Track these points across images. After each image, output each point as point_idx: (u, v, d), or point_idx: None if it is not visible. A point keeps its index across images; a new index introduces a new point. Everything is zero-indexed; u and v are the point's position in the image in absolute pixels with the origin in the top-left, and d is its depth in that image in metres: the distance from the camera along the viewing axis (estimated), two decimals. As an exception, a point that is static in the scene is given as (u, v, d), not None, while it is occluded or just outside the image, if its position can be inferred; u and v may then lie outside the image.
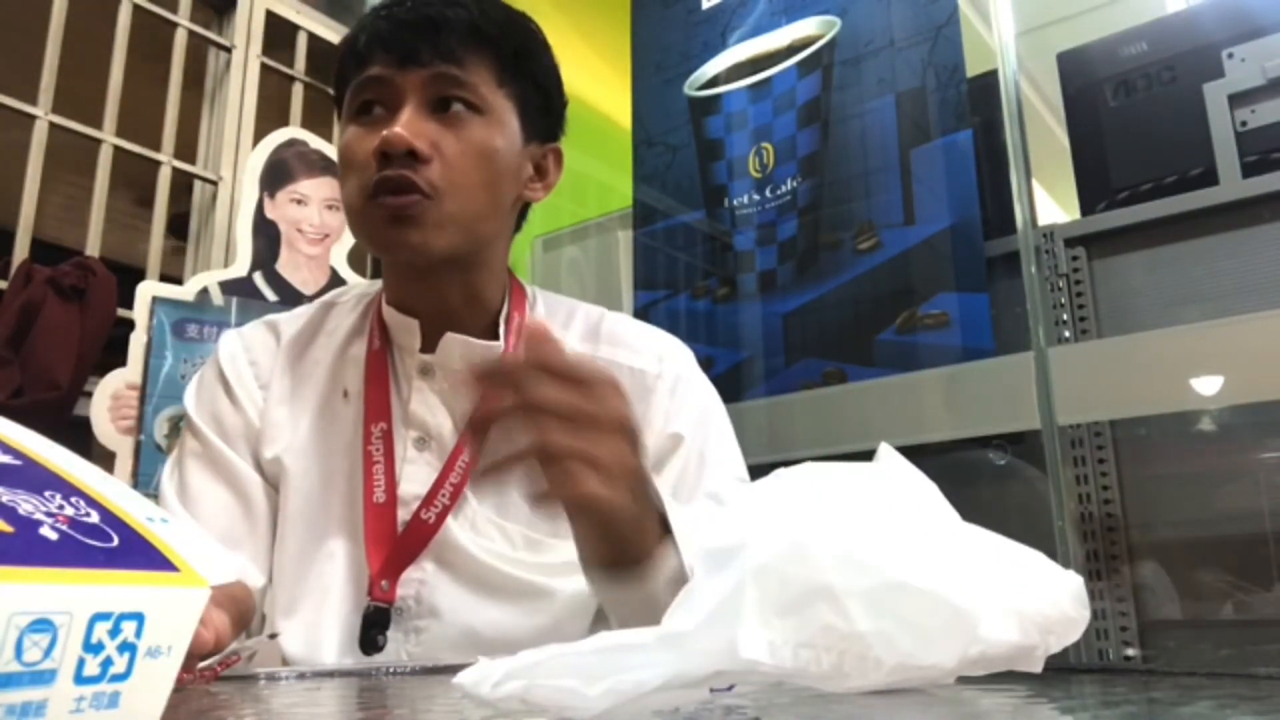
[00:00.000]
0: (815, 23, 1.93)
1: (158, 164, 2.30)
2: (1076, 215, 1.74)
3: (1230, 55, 1.55)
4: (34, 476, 0.28)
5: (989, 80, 1.74)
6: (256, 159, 2.30)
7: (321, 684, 0.42)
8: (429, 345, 0.83)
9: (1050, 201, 2.73)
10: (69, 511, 0.26)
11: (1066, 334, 1.67)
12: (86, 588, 0.24)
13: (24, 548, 0.24)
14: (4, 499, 0.25)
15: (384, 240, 0.77)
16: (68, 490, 0.28)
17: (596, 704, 0.26)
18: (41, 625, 0.22)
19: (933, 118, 1.76)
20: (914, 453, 1.47)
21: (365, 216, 0.77)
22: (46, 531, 0.25)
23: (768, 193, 1.94)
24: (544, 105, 0.86)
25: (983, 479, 1.66)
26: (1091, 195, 1.70)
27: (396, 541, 0.78)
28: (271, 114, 2.51)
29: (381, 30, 0.78)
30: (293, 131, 2.40)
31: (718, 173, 2.04)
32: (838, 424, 1.65)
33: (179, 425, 1.98)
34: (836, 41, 1.90)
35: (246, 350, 0.88)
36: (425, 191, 0.75)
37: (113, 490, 0.29)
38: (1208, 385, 1.42)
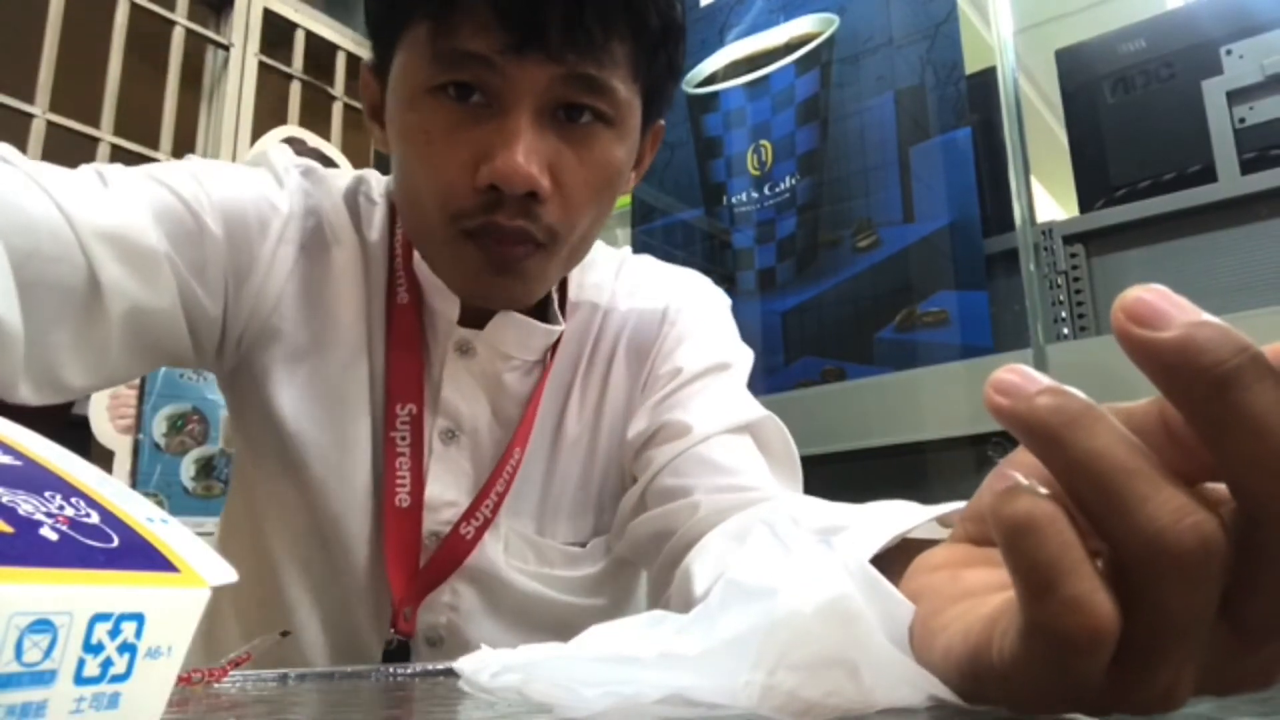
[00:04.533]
0: (813, 20, 1.93)
1: (155, 162, 2.30)
2: (1075, 213, 1.74)
3: (1229, 52, 1.55)
4: (34, 476, 0.28)
5: (987, 78, 1.75)
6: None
7: (330, 684, 0.42)
8: (466, 316, 0.67)
9: (1049, 199, 2.73)
10: (69, 512, 0.26)
11: (1065, 331, 1.67)
12: (87, 588, 0.24)
13: (24, 548, 0.24)
14: (4, 499, 0.25)
15: (477, 288, 0.62)
16: (68, 490, 0.28)
17: (592, 705, 0.26)
18: (42, 626, 0.22)
19: (931, 115, 1.76)
20: (913, 451, 1.47)
21: (450, 253, 0.60)
22: (47, 532, 0.25)
23: (766, 190, 1.94)
24: (670, 85, 0.66)
25: (981, 477, 1.65)
26: (1090, 192, 1.70)
27: (422, 560, 0.65)
28: (269, 112, 2.50)
29: None
30: (291, 130, 2.40)
31: (716, 170, 2.04)
32: (837, 422, 1.65)
33: (178, 424, 1.98)
34: (835, 39, 1.90)
35: (284, 224, 0.66)
36: (540, 240, 0.58)
37: (112, 490, 0.29)
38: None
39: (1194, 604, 0.20)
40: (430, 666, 0.43)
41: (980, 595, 0.27)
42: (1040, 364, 1.57)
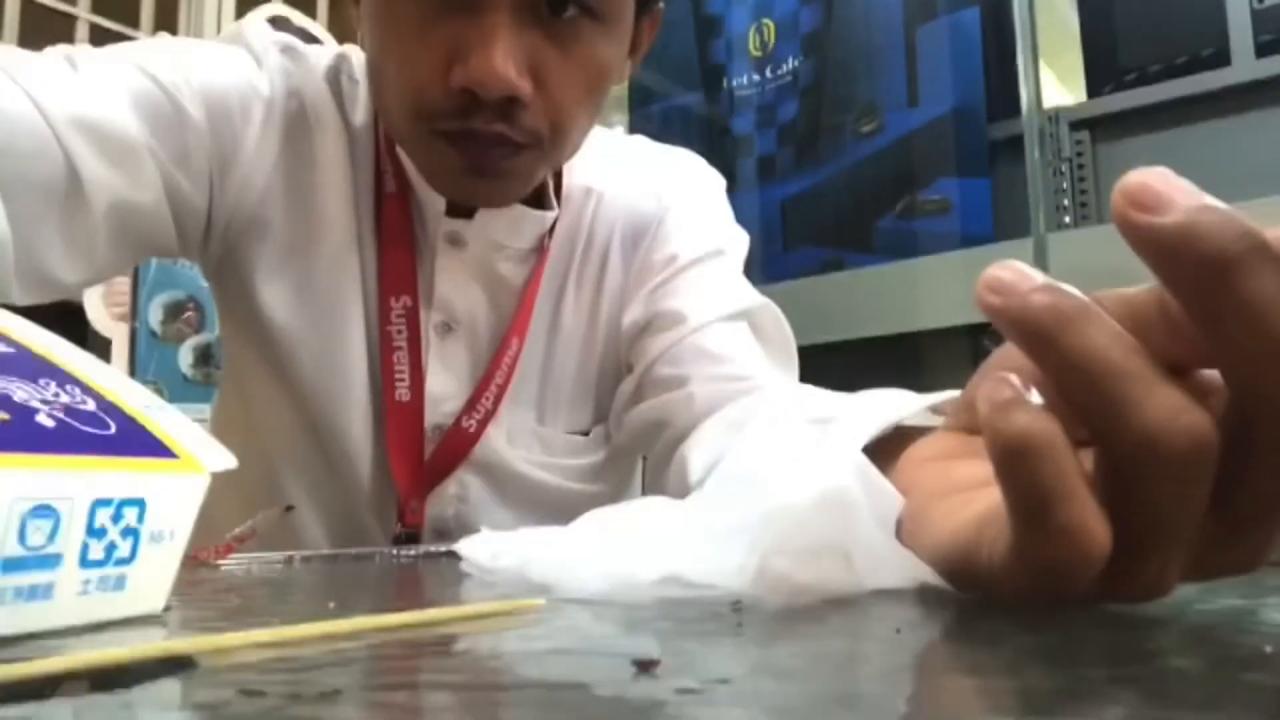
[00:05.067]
0: (820, -110, 1.84)
1: (135, 41, 2.23)
2: (1080, 98, 1.70)
3: (1250, -73, 1.49)
4: (28, 364, 0.28)
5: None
6: (240, 37, 2.23)
7: (334, 566, 0.43)
8: (456, 204, 0.64)
9: (1053, 83, 2.66)
10: (65, 399, 0.26)
11: (1067, 219, 1.65)
12: (86, 474, 0.24)
13: (21, 435, 0.24)
14: (-2, 387, 0.25)
15: (453, 188, 0.60)
16: (63, 378, 0.28)
17: (589, 585, 0.27)
18: (43, 511, 0.23)
19: (940, -7, 1.70)
20: (911, 340, 1.47)
21: (425, 152, 0.58)
22: (43, 419, 0.25)
23: (768, 73, 1.89)
24: None
25: (977, 366, 1.67)
26: (1099, 76, 1.66)
27: (426, 452, 0.65)
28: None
29: None
30: (275, 8, 2.31)
31: (715, 51, 1.98)
32: (836, 312, 1.65)
33: (174, 311, 1.97)
34: (842, -90, 1.81)
35: (267, 108, 0.62)
36: (521, 143, 0.56)
37: (108, 378, 0.29)
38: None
39: (1186, 502, 0.20)
40: (433, 549, 0.44)
41: (968, 490, 0.27)
42: (1040, 253, 1.56)
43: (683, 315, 0.66)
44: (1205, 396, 0.20)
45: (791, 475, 0.26)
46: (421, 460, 0.65)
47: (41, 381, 0.27)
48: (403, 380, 0.64)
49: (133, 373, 1.88)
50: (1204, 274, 0.19)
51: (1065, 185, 1.66)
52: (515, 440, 0.68)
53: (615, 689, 0.16)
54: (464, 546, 0.32)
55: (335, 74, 0.67)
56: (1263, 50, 1.48)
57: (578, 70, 0.55)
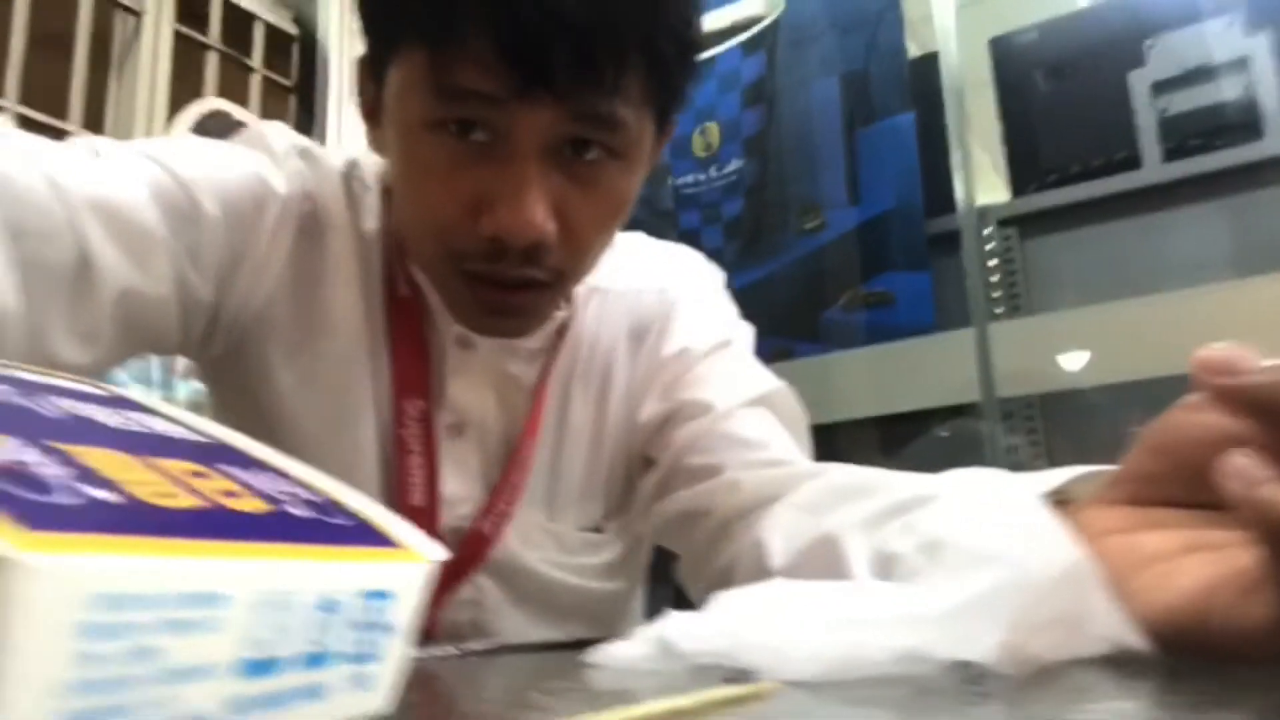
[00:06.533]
0: (759, 2, 1.95)
1: (65, 134, 2.18)
2: (997, 193, 1.82)
3: (1152, 45, 1.64)
4: (236, 455, 0.27)
5: (929, 62, 1.80)
6: (180, 133, 2.20)
7: (503, 657, 0.40)
8: None
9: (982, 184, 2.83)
10: (292, 491, 0.26)
11: (999, 310, 1.74)
12: (352, 565, 0.23)
13: (287, 527, 0.23)
14: (243, 479, 0.24)
15: (476, 325, 0.61)
16: (262, 466, 0.27)
17: (807, 667, 0.27)
18: (328, 605, 0.22)
19: (875, 100, 1.80)
20: (861, 426, 1.49)
21: (449, 288, 0.60)
22: (294, 509, 0.24)
23: (713, 172, 1.96)
24: (686, 89, 0.61)
25: (911, 451, 1.72)
26: (1022, 177, 1.78)
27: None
28: (182, 84, 2.39)
29: (496, 19, 0.50)
30: (215, 102, 2.30)
31: (663, 151, 2.05)
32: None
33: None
34: (780, 22, 1.92)
35: (282, 207, 0.62)
36: (546, 282, 0.57)
37: (305, 472, 0.28)
38: (1128, 359, 1.51)
39: None
40: (493, 645, 0.42)
41: (1169, 560, 0.29)
42: (981, 343, 1.63)
43: (708, 404, 0.66)
44: None
45: (1023, 549, 0.27)
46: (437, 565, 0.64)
47: (253, 471, 0.26)
48: (415, 483, 0.63)
49: None
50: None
51: (993, 278, 1.76)
52: (530, 541, 0.67)
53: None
54: (663, 628, 0.31)
55: (348, 179, 0.67)
56: (1169, 155, 1.61)
57: (600, 207, 0.56)
